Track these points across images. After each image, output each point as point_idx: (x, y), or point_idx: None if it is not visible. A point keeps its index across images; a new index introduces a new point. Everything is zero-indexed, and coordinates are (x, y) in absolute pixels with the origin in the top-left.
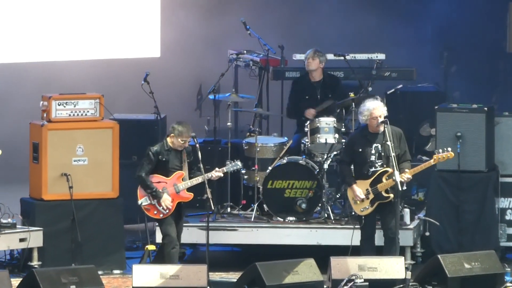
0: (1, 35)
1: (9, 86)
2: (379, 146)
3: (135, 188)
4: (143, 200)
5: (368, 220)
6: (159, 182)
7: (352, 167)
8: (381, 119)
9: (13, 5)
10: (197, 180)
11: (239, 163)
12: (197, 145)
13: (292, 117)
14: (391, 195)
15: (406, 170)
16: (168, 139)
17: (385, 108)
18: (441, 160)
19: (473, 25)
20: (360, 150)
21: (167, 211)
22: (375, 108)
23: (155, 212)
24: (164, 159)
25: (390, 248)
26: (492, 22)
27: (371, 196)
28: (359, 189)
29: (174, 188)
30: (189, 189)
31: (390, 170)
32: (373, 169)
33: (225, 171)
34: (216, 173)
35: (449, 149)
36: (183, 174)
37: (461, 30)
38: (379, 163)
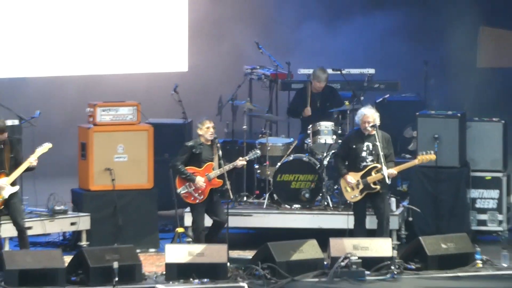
0: (66, 53)
1: (68, 95)
2: (370, 145)
3: (167, 179)
4: (182, 189)
5: (358, 208)
6: (193, 173)
7: (346, 162)
8: (371, 124)
9: (66, 25)
10: (225, 168)
11: (258, 151)
12: (218, 145)
13: (291, 116)
14: (378, 187)
15: (393, 167)
16: (199, 135)
17: (378, 115)
18: (424, 161)
19: (449, 43)
20: (354, 146)
21: (201, 196)
22: (366, 115)
23: (192, 198)
24: (197, 152)
25: (379, 231)
26: (465, 42)
27: (361, 186)
28: (352, 178)
29: (206, 177)
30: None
31: (379, 166)
32: (364, 163)
33: (247, 159)
34: (240, 162)
35: (432, 151)
36: (213, 165)
37: (439, 47)
38: (370, 159)
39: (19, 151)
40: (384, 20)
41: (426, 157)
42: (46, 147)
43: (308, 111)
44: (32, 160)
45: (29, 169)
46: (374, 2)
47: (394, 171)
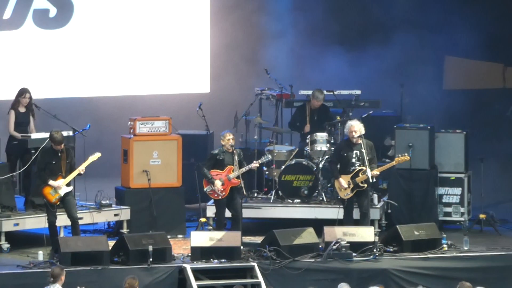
0: (111, 76)
1: (106, 112)
2: (358, 152)
3: (193, 179)
4: (207, 188)
5: (348, 202)
6: (216, 174)
7: (338, 166)
8: (357, 134)
9: (112, 54)
10: (242, 170)
11: (269, 156)
12: (235, 151)
13: (291, 129)
14: (365, 185)
15: (375, 169)
16: (222, 144)
17: (362, 126)
18: (400, 161)
19: (420, 67)
20: (345, 154)
21: (223, 193)
22: (353, 126)
23: (215, 195)
24: (221, 158)
25: (363, 221)
26: (433, 67)
27: (351, 185)
28: (344, 180)
29: (226, 177)
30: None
31: (364, 168)
32: (353, 167)
33: (260, 162)
34: (254, 164)
35: (406, 154)
36: (233, 168)
37: (412, 71)
38: (358, 164)
39: (73, 158)
40: (370, 52)
41: (401, 158)
42: (96, 155)
43: (307, 128)
44: (81, 170)
45: (79, 174)
46: (360, 40)
47: (377, 172)
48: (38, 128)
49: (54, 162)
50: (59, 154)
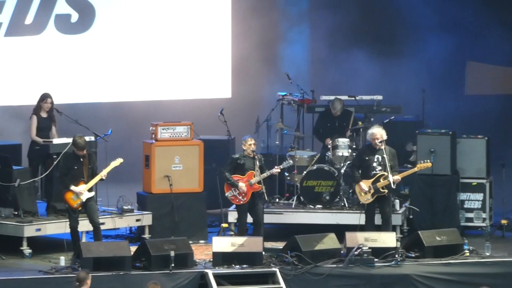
0: (132, 82)
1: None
2: (379, 157)
3: (214, 184)
4: (229, 193)
5: (369, 207)
6: (237, 179)
7: (360, 171)
8: (380, 140)
9: (134, 60)
10: (263, 175)
11: (290, 161)
12: (257, 156)
13: (316, 136)
14: (386, 191)
15: (398, 175)
16: (244, 148)
17: (384, 132)
18: (422, 168)
19: (441, 74)
20: (367, 158)
21: (245, 198)
22: (375, 133)
23: (237, 200)
24: (241, 162)
25: (385, 227)
26: (456, 73)
27: (372, 190)
28: (365, 185)
29: (248, 182)
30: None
31: (386, 174)
32: (374, 172)
33: (282, 167)
34: (276, 170)
35: (428, 160)
36: (254, 173)
37: (434, 76)
38: (379, 169)
39: (95, 163)
40: (392, 57)
41: (424, 165)
42: (118, 161)
43: (328, 141)
44: (103, 175)
45: (101, 180)
46: (382, 46)
47: (399, 177)
48: (60, 133)
49: (76, 168)
50: (81, 160)
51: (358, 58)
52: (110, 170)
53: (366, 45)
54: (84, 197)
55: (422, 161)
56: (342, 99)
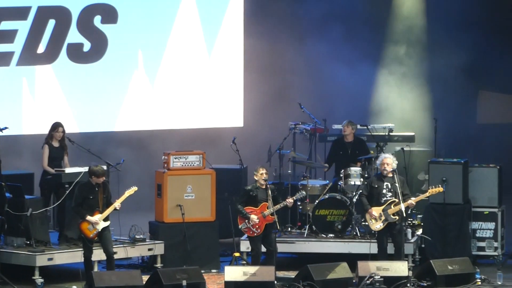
0: (144, 111)
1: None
2: (389, 184)
3: (227, 214)
4: (242, 225)
5: (381, 236)
6: (251, 212)
7: (370, 200)
8: (390, 168)
9: (146, 90)
10: (276, 207)
11: (303, 192)
12: (269, 186)
13: (329, 164)
14: (397, 217)
15: (412, 198)
16: (255, 180)
17: (394, 159)
18: (434, 193)
19: (453, 104)
20: (376, 186)
21: (258, 230)
22: (385, 158)
23: (251, 232)
24: (254, 194)
25: (398, 255)
26: (467, 103)
27: (383, 217)
28: (375, 211)
29: (261, 214)
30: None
31: (397, 200)
32: (385, 199)
33: (295, 198)
34: (289, 200)
35: (439, 185)
36: (267, 204)
37: (445, 107)
38: (389, 195)
39: (109, 192)
40: (404, 87)
41: (435, 190)
42: (132, 190)
43: (326, 167)
44: (117, 205)
45: (115, 210)
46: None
47: (413, 202)
48: (71, 162)
49: (91, 197)
50: (96, 189)
51: (372, 85)
52: (124, 199)
53: (380, 73)
54: (100, 227)
55: (433, 186)
56: (356, 125)
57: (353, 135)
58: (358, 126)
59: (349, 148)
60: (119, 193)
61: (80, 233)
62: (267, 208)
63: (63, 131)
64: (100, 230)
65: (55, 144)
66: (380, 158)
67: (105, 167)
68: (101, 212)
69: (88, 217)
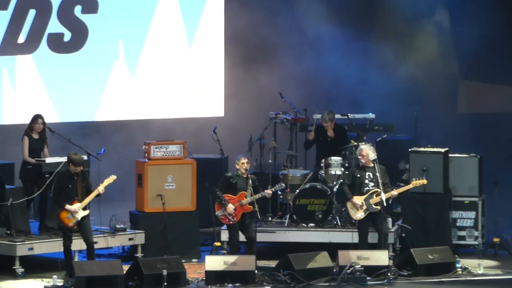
0: (126, 101)
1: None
2: (371, 174)
3: (207, 203)
4: (219, 212)
5: (362, 226)
6: (229, 199)
7: (351, 188)
8: (364, 159)
9: (129, 79)
10: (255, 197)
11: (283, 184)
12: (250, 176)
13: (305, 148)
14: (378, 207)
15: (395, 190)
16: (237, 168)
17: (373, 149)
18: (417, 185)
19: (434, 92)
20: (358, 176)
21: (235, 219)
22: (361, 150)
23: (227, 220)
24: (234, 181)
25: (382, 242)
26: (447, 91)
27: (364, 207)
28: (358, 200)
29: (239, 203)
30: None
31: (379, 190)
32: (367, 188)
33: (273, 190)
34: (268, 192)
35: (423, 178)
36: (246, 193)
37: (425, 95)
38: (371, 185)
39: (89, 181)
40: (384, 75)
41: (419, 181)
42: (111, 178)
43: (311, 135)
44: (100, 190)
45: (98, 195)
46: (374, 63)
47: (396, 192)
48: (52, 152)
49: (70, 186)
50: (75, 178)
51: (351, 75)
52: (104, 187)
53: (361, 63)
54: (79, 216)
55: (416, 178)
56: (334, 112)
57: (333, 124)
58: (339, 116)
59: (328, 136)
60: (99, 183)
61: (59, 223)
62: (246, 197)
63: (43, 123)
64: (79, 219)
65: (35, 135)
66: (359, 149)
67: (85, 157)
68: (80, 201)
69: (67, 206)
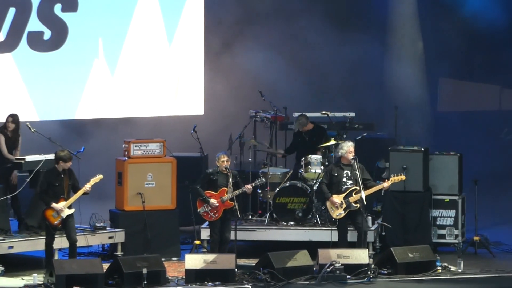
0: (106, 99)
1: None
2: (349, 172)
3: (187, 201)
4: (201, 209)
5: (341, 224)
6: (210, 196)
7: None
8: (351, 155)
9: (109, 77)
10: (235, 193)
11: (263, 179)
12: (230, 172)
13: (290, 153)
14: (358, 205)
15: (386, 181)
16: (217, 165)
17: (353, 147)
18: (396, 181)
19: (414, 90)
20: (335, 174)
21: (216, 215)
22: (350, 146)
23: (209, 216)
24: (214, 178)
25: (361, 240)
26: (428, 90)
27: (344, 205)
28: (337, 199)
29: (220, 199)
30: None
31: (358, 188)
32: (345, 187)
33: (254, 185)
34: (248, 187)
35: (402, 173)
36: (226, 190)
37: (405, 94)
38: (350, 183)
39: (76, 179)
40: (365, 75)
41: (398, 177)
42: (98, 177)
43: (281, 153)
44: (87, 188)
45: (84, 193)
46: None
47: (386, 184)
48: (32, 150)
49: (57, 184)
50: (62, 176)
51: (331, 74)
52: (91, 185)
53: (339, 63)
54: (64, 214)
55: (395, 174)
56: (307, 115)
57: (310, 124)
58: (319, 114)
59: (307, 136)
60: (80, 182)
61: (44, 220)
62: (226, 194)
63: (14, 122)
64: (64, 218)
65: (9, 134)
66: (346, 146)
67: None
68: (66, 200)
69: (53, 204)
